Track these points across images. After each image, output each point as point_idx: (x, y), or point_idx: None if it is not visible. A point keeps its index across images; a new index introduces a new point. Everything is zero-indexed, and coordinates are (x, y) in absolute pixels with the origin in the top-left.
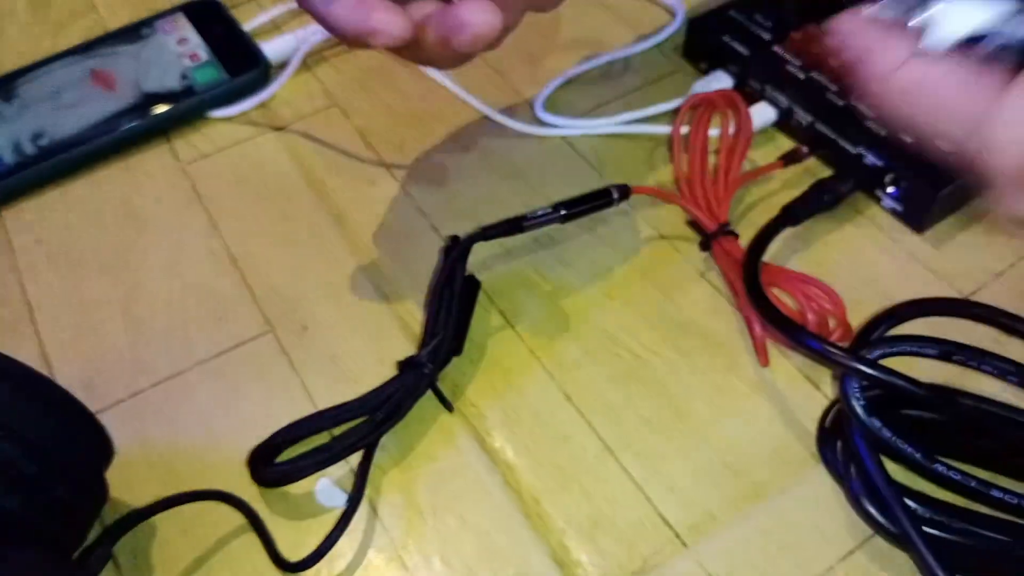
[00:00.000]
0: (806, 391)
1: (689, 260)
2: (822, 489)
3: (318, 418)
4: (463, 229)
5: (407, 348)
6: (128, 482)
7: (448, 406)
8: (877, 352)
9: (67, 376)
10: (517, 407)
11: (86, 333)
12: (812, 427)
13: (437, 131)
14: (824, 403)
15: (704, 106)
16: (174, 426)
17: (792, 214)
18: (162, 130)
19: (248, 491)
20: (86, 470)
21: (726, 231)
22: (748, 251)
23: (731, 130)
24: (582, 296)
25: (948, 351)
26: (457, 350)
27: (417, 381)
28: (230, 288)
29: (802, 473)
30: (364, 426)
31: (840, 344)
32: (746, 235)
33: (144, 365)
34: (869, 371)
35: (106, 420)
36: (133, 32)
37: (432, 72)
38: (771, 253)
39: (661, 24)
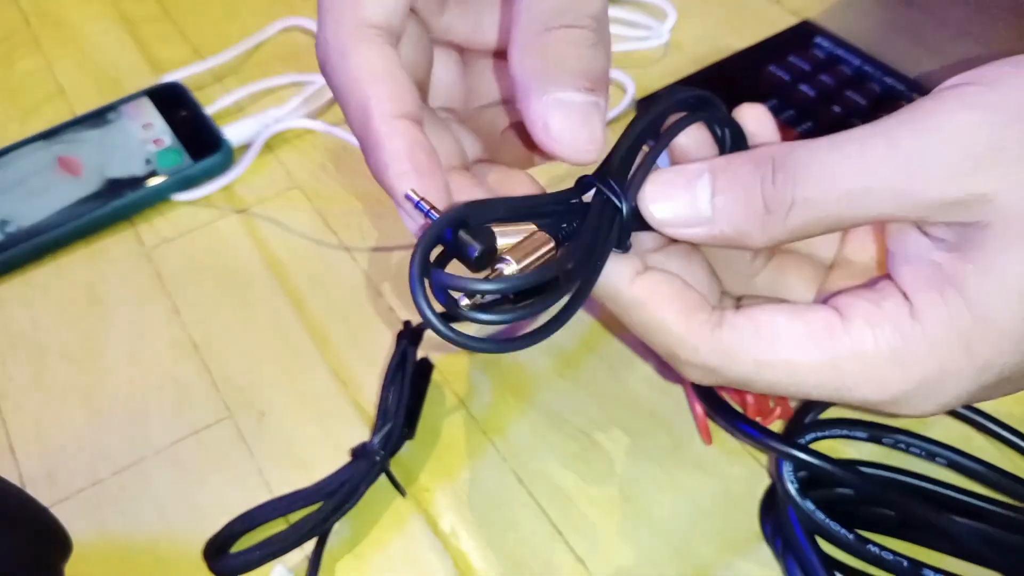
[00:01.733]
0: (751, 467)
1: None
2: (767, 565)
3: (272, 506)
4: None
5: (362, 433)
6: (87, 574)
7: (401, 491)
8: (810, 436)
9: (30, 465)
10: (469, 491)
11: (49, 421)
12: (756, 504)
13: (396, 212)
14: (768, 480)
15: None
16: (132, 516)
17: None
18: (126, 215)
19: None
20: (43, 568)
21: None
22: None
23: None
24: (534, 374)
25: (877, 435)
26: (410, 434)
27: (369, 468)
28: (190, 375)
29: (747, 549)
30: (317, 513)
31: (777, 425)
32: None
33: (105, 453)
34: (799, 456)
35: (67, 509)
36: (99, 117)
37: None
38: None
39: (612, 101)
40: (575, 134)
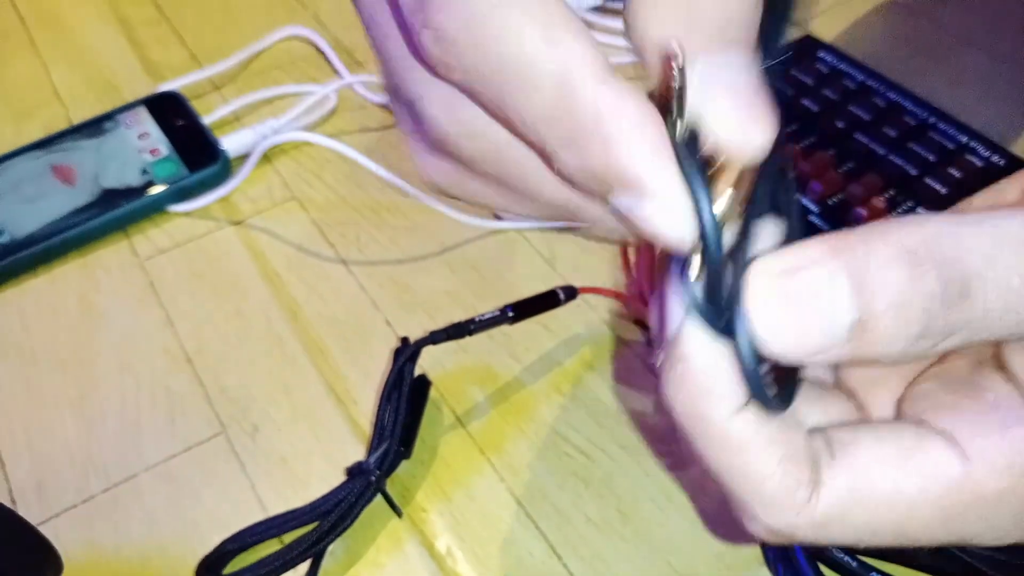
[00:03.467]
0: None
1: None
2: None
3: (266, 526)
4: (418, 323)
5: (357, 449)
6: None
7: (397, 511)
8: None
9: (19, 478)
10: (466, 511)
11: (40, 433)
12: None
13: (393, 224)
14: None
15: None
16: (123, 533)
17: None
18: (121, 225)
19: None
20: None
21: None
22: None
23: None
24: (532, 392)
25: None
26: (406, 454)
27: (365, 488)
28: (184, 387)
29: (748, 573)
30: (312, 534)
31: None
32: None
33: (96, 468)
34: None
35: (57, 526)
36: (95, 126)
37: (386, 171)
38: None
39: None
40: (750, 116)
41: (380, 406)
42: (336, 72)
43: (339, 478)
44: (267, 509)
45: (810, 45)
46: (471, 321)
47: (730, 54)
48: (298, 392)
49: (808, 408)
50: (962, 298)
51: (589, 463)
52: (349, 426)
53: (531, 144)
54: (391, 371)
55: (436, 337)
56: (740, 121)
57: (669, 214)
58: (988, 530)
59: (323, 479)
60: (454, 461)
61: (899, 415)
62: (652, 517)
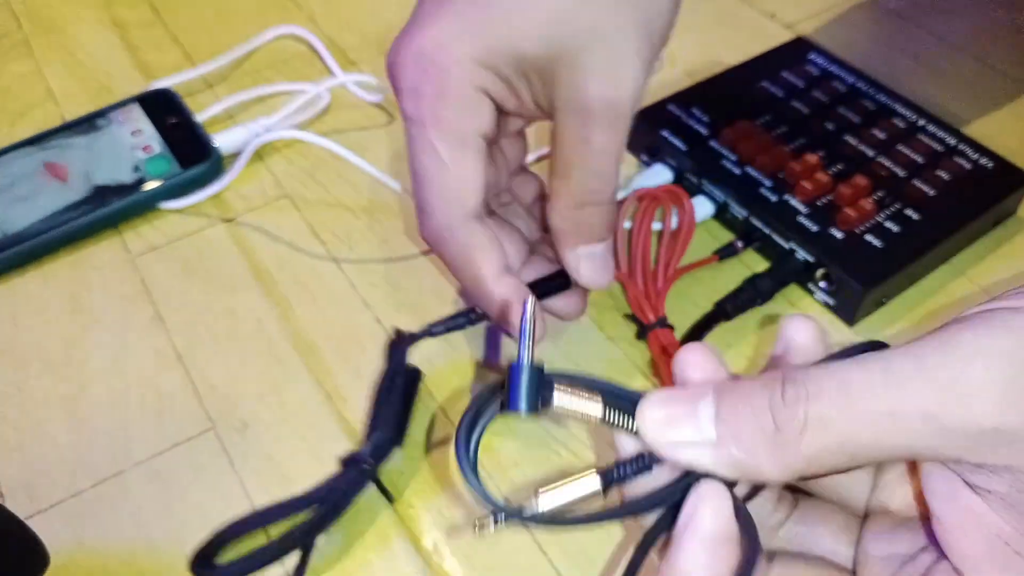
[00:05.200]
0: None
1: (628, 354)
2: None
3: (260, 515)
4: (407, 322)
5: (346, 446)
6: None
7: (389, 498)
8: None
9: (8, 474)
10: (453, 507)
11: (29, 431)
12: None
13: (384, 223)
14: None
15: (648, 200)
16: (111, 528)
17: (723, 310)
18: (113, 222)
19: None
20: None
21: (663, 324)
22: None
23: (673, 225)
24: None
25: None
26: (398, 441)
27: (359, 476)
28: (173, 384)
29: None
30: (303, 525)
31: None
32: (681, 328)
33: (84, 464)
34: None
35: (45, 521)
36: (88, 123)
37: (377, 170)
38: None
39: None
40: (598, 275)
41: (375, 396)
42: (329, 71)
43: (327, 473)
44: (255, 505)
45: (801, 47)
46: (471, 310)
47: (593, 244)
48: (288, 390)
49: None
50: (803, 398)
51: (577, 462)
52: (339, 423)
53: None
54: (387, 361)
55: (435, 330)
56: (594, 274)
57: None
58: None
59: (312, 476)
60: (441, 457)
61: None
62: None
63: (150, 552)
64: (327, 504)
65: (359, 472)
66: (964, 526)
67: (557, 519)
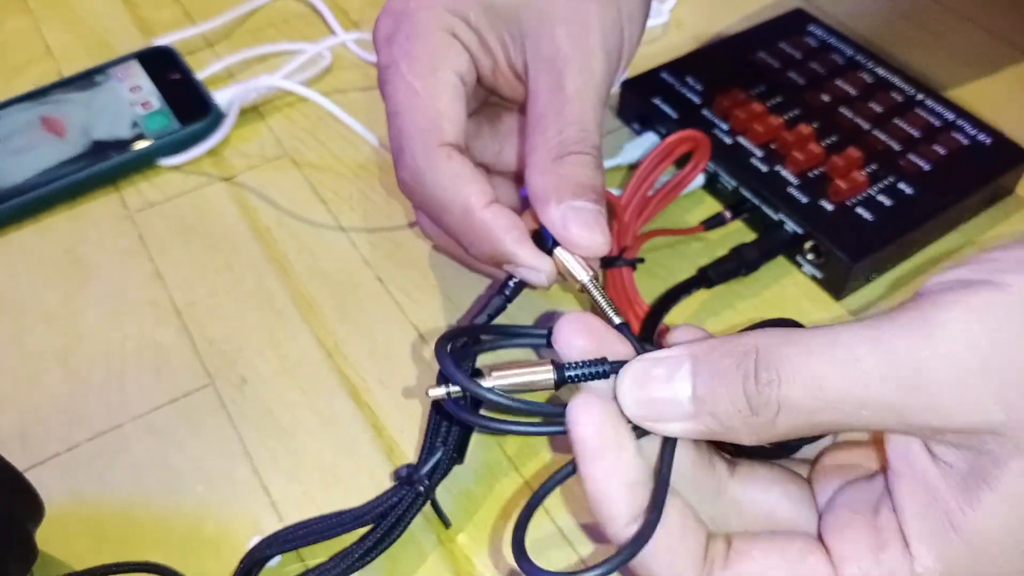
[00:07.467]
0: None
1: None
2: None
3: (304, 530)
4: (408, 280)
5: (344, 402)
6: (60, 538)
7: (446, 522)
8: None
9: (5, 427)
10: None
11: (25, 383)
12: None
13: (384, 182)
14: None
15: (680, 145)
16: (108, 481)
17: (706, 276)
18: (111, 178)
19: (179, 556)
20: (14, 531)
21: (627, 261)
22: (651, 310)
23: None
24: None
25: None
26: (459, 460)
27: (415, 496)
28: (171, 340)
29: None
30: (362, 543)
31: None
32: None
33: (81, 418)
34: None
35: (40, 474)
36: (87, 79)
37: (371, 135)
38: (687, 314)
39: None
40: (590, 232)
41: (432, 412)
42: (331, 30)
43: (325, 428)
44: (253, 459)
45: (800, 18)
46: (503, 283)
47: (581, 199)
48: (287, 345)
49: (768, 488)
50: (776, 384)
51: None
52: (338, 378)
53: (456, 240)
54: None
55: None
56: (585, 233)
57: (530, 273)
58: None
59: (310, 431)
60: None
61: (827, 505)
62: None
63: (146, 505)
64: (383, 526)
65: (415, 493)
66: (913, 488)
67: (503, 400)
